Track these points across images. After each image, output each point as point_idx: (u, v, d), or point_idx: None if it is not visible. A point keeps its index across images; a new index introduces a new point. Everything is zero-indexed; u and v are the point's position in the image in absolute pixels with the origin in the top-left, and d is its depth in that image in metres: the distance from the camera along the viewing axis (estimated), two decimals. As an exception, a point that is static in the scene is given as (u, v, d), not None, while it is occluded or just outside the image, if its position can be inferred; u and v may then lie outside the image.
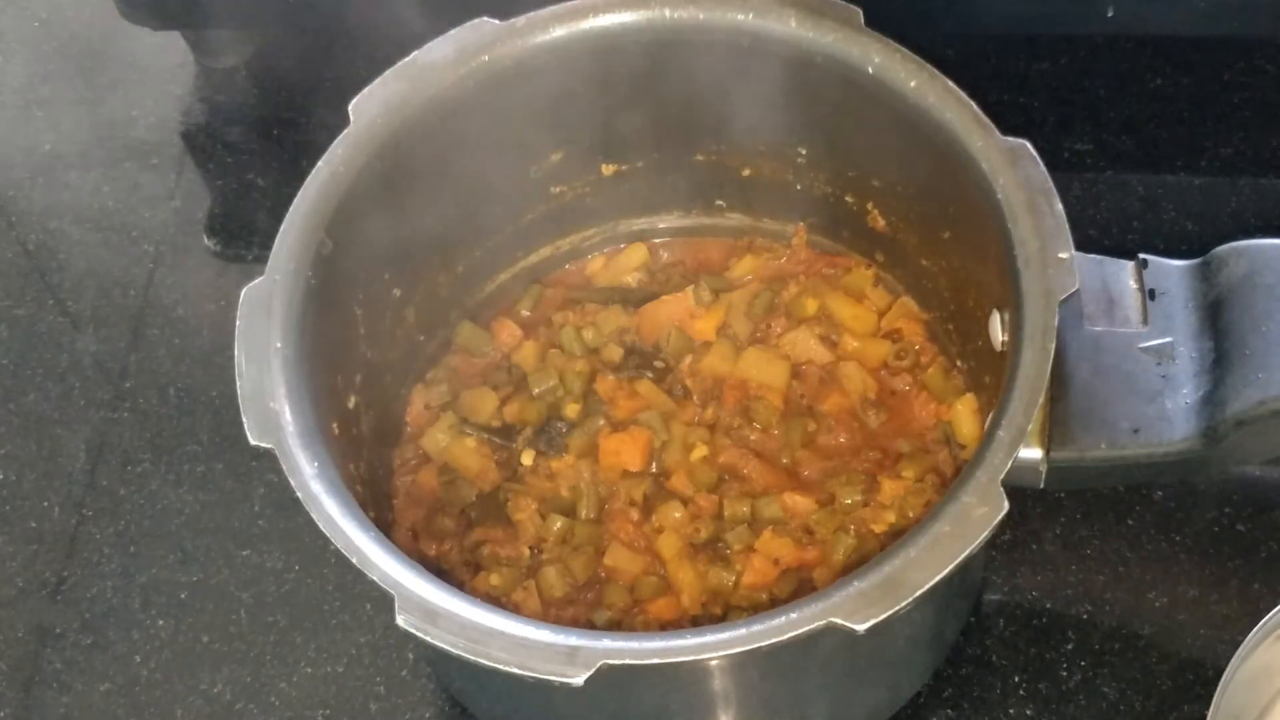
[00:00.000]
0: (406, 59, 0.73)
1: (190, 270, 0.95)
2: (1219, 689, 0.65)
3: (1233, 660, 0.65)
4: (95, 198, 0.98)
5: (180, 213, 0.97)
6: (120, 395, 0.90)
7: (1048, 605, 0.78)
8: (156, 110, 1.02)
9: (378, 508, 0.75)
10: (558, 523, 0.75)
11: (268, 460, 0.64)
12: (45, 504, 0.86)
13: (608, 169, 0.81)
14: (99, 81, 1.04)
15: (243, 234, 0.96)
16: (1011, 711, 0.76)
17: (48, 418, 0.89)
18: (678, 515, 0.75)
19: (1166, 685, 0.75)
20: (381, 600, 0.60)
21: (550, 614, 0.73)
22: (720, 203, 0.83)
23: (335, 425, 0.70)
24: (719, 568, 0.73)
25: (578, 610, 0.73)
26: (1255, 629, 0.66)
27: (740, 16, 0.72)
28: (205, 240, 0.96)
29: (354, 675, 0.79)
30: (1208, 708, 0.65)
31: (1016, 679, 0.76)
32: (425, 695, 0.78)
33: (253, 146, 1.00)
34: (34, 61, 1.06)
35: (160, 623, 0.82)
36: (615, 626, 0.72)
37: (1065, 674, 0.76)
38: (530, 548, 0.75)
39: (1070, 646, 0.77)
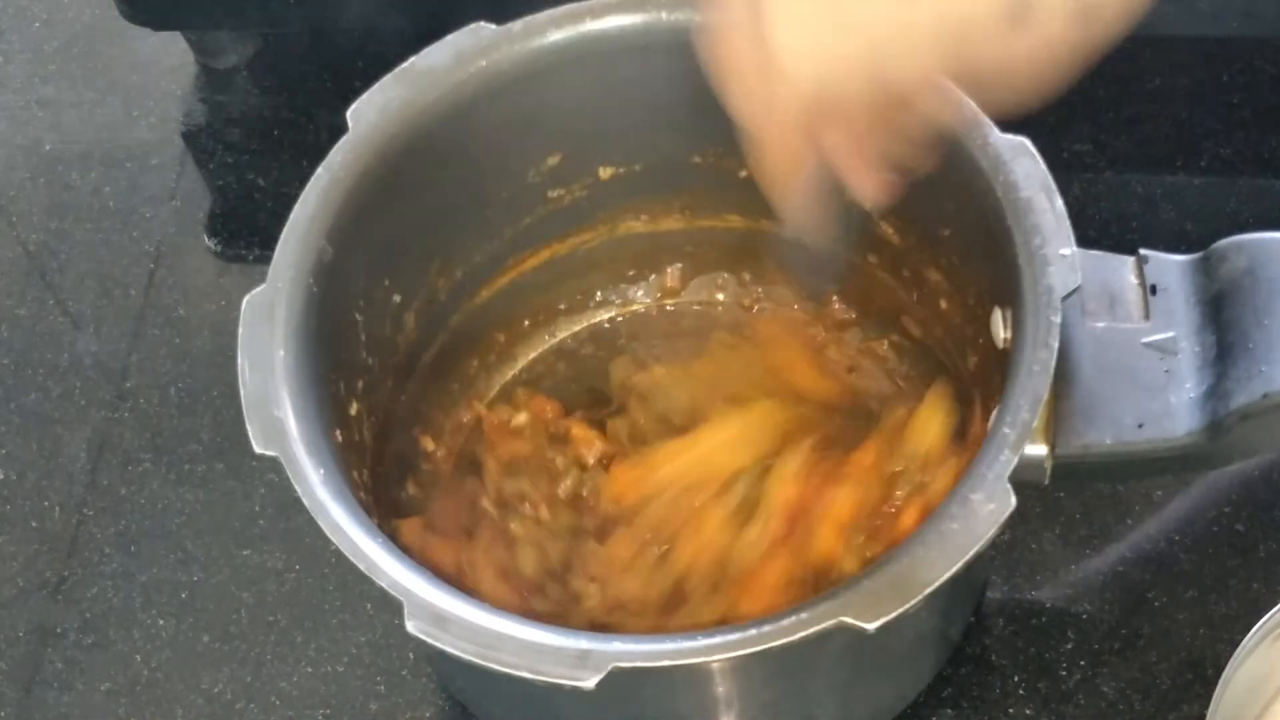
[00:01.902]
0: (404, 64, 0.73)
1: (191, 270, 0.95)
2: (1218, 689, 0.65)
3: (1232, 660, 0.66)
4: (95, 198, 0.99)
5: (180, 213, 0.97)
6: (121, 395, 0.90)
7: (1047, 605, 0.78)
8: (157, 110, 1.02)
9: (381, 514, 0.75)
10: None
11: (268, 460, 0.64)
12: (46, 504, 0.86)
13: (605, 172, 0.81)
14: (99, 81, 1.04)
15: (243, 234, 0.96)
16: (1011, 711, 0.76)
17: (48, 417, 0.90)
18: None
19: (1166, 685, 0.75)
20: (382, 600, 0.60)
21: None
22: (718, 204, 0.83)
23: (338, 432, 0.70)
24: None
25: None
26: (1255, 629, 0.66)
27: (739, 18, 0.72)
28: (206, 240, 0.96)
29: (354, 675, 0.79)
30: (1207, 708, 0.65)
31: (1016, 679, 0.76)
32: (425, 695, 0.78)
33: (253, 146, 1.00)
34: (34, 61, 1.06)
35: (161, 622, 0.82)
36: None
37: (1065, 674, 0.76)
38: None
39: (1070, 646, 0.77)
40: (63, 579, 0.84)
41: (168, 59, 1.04)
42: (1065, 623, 0.77)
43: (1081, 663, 0.76)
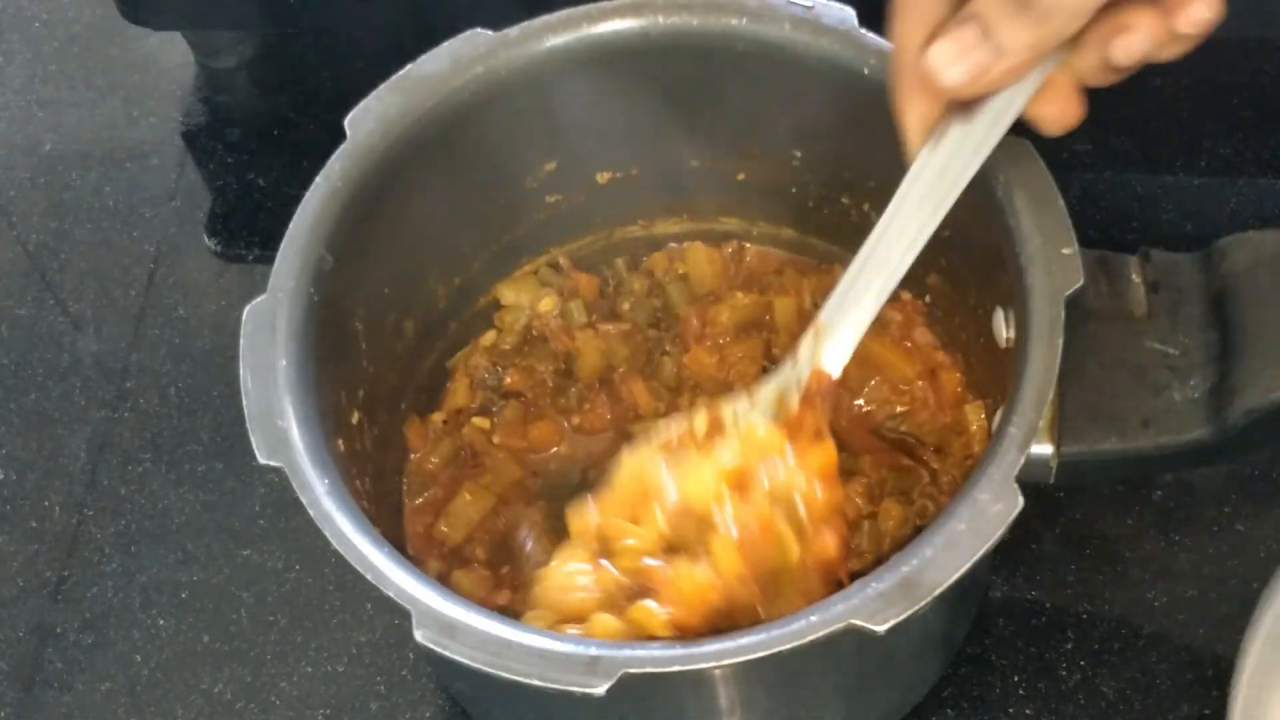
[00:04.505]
0: (401, 72, 0.73)
1: (191, 270, 0.95)
2: (1249, 627, 0.64)
3: (1238, 658, 0.65)
4: (95, 198, 0.99)
5: (180, 213, 0.97)
6: (121, 395, 0.90)
7: (1047, 605, 0.78)
8: (156, 110, 1.02)
9: (384, 523, 0.75)
10: None
11: (268, 460, 0.64)
12: (46, 504, 0.86)
13: (602, 177, 0.80)
14: (99, 81, 1.04)
15: (243, 234, 0.96)
16: (1011, 711, 0.76)
17: (48, 417, 0.90)
18: None
19: (1166, 685, 0.75)
20: (382, 600, 0.60)
21: None
22: (715, 207, 0.83)
23: (340, 441, 0.70)
24: None
25: None
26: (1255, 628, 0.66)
27: (735, 21, 0.72)
28: (205, 240, 0.96)
29: (354, 675, 0.79)
30: (1208, 707, 0.65)
31: (1016, 679, 0.76)
32: (425, 695, 0.78)
33: (253, 146, 1.00)
34: (34, 61, 1.06)
35: (161, 622, 0.82)
36: None
37: (1065, 673, 0.76)
38: None
39: (1070, 646, 0.77)
40: (63, 579, 0.84)
41: (168, 59, 1.04)
42: (1065, 623, 0.77)
43: (1081, 662, 0.76)
